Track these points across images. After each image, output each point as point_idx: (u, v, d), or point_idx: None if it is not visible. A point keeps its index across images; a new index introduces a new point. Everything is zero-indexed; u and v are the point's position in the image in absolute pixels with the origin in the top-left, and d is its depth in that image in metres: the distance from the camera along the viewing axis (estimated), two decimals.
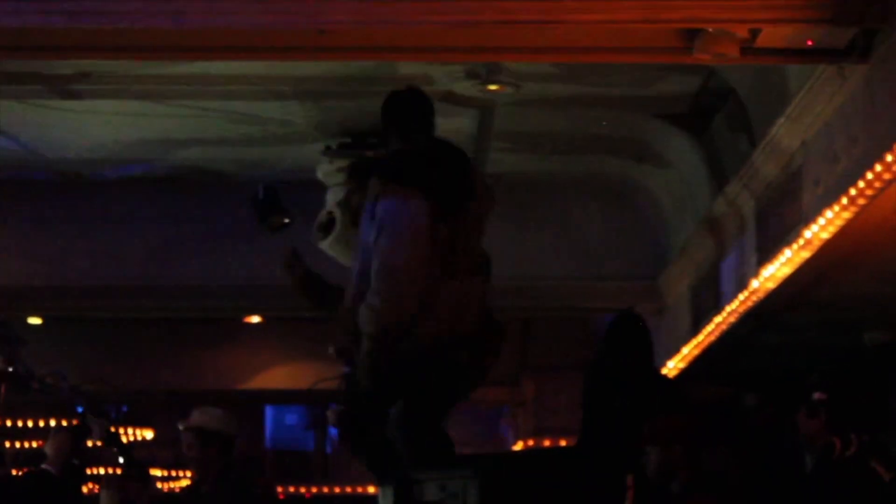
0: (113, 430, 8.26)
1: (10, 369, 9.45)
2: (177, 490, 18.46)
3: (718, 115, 10.28)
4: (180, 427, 7.56)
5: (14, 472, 10.49)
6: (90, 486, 11.84)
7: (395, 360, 6.08)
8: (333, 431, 16.90)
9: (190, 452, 7.53)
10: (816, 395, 6.76)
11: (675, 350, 12.15)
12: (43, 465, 8.26)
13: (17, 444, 12.60)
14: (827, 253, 8.49)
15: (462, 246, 6.12)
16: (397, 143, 6.32)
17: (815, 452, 6.86)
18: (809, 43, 7.22)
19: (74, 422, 8.28)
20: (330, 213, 6.87)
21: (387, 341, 6.03)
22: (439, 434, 6.20)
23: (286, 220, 11.51)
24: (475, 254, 6.24)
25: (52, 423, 11.45)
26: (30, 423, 13.21)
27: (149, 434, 16.77)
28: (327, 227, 6.84)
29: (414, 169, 6.15)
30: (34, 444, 12.08)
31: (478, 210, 6.24)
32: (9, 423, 10.55)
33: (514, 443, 18.21)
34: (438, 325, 6.07)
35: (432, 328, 6.06)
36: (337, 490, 20.81)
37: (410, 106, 6.39)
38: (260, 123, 10.74)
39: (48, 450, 8.36)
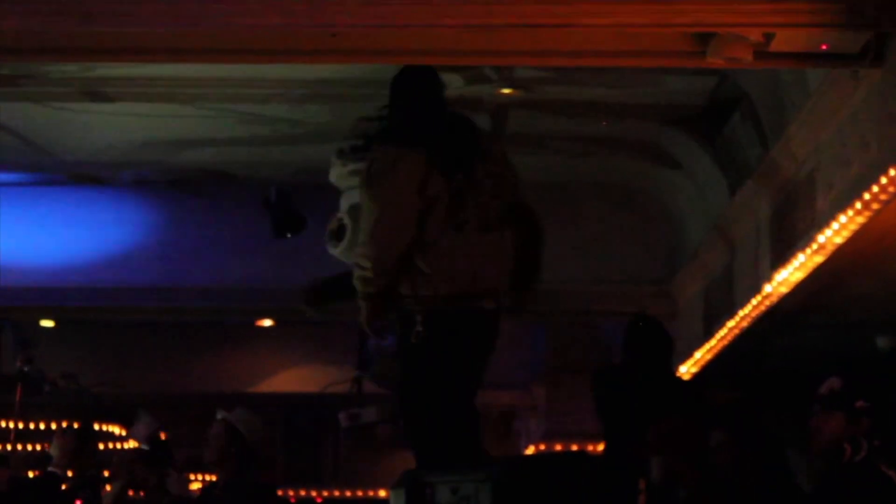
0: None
1: (26, 369, 9.46)
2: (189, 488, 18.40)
3: (731, 119, 10.26)
4: (218, 416, 7.68)
5: (26, 475, 10.49)
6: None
7: (408, 318, 6.21)
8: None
9: (216, 442, 7.63)
10: (859, 404, 6.72)
11: (687, 354, 12.13)
12: (49, 468, 8.25)
13: (29, 447, 12.60)
14: (840, 258, 8.47)
15: (473, 202, 6.20)
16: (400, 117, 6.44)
17: (827, 457, 6.81)
18: (823, 47, 7.20)
19: (76, 424, 8.27)
20: (340, 219, 6.90)
21: (379, 297, 6.17)
22: (470, 420, 6.32)
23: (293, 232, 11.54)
24: (491, 209, 6.30)
25: (65, 425, 11.45)
26: (41, 426, 13.20)
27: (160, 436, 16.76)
28: (338, 235, 6.87)
29: (407, 130, 6.29)
30: (46, 447, 12.09)
31: (492, 170, 6.32)
32: (20, 426, 10.53)
33: (526, 447, 18.19)
34: (445, 278, 6.18)
35: (442, 281, 6.18)
36: (348, 493, 20.79)
37: (412, 83, 6.49)
38: (271, 125, 10.74)
39: (53, 451, 8.35)
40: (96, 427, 13.50)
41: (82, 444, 8.16)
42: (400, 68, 6.54)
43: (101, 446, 8.79)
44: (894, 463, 6.45)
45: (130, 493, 8.51)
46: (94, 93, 9.95)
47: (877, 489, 6.40)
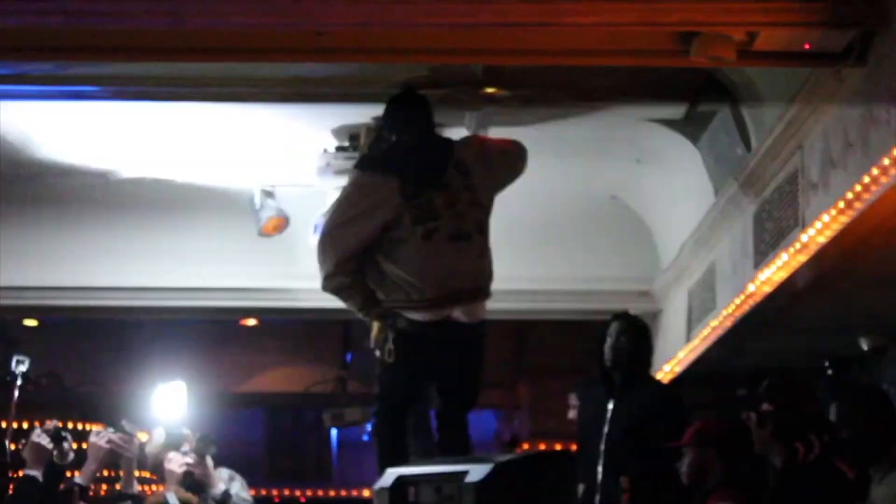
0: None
1: (24, 369, 9.42)
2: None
3: (715, 118, 10.27)
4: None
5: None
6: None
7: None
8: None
9: None
10: (764, 406, 6.82)
11: (670, 354, 12.14)
12: (26, 471, 8.13)
13: (13, 447, 12.57)
14: (823, 257, 8.48)
15: (447, 213, 6.65)
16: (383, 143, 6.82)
17: (775, 460, 6.87)
18: (807, 46, 7.21)
19: (49, 421, 8.18)
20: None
21: (352, 290, 6.65)
22: (460, 427, 6.45)
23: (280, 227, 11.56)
24: (467, 220, 6.71)
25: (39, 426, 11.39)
26: (24, 426, 13.16)
27: (144, 437, 16.72)
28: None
29: (378, 158, 6.85)
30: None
31: (470, 183, 6.78)
32: (3, 425, 10.48)
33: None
34: (415, 284, 6.53)
35: (412, 288, 6.54)
36: (332, 493, 20.78)
37: (393, 109, 7.06)
38: (255, 125, 10.72)
39: (26, 454, 8.18)
40: (80, 427, 13.45)
41: (56, 446, 8.06)
42: (394, 94, 6.92)
43: (85, 445, 8.69)
44: (847, 455, 6.47)
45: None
46: (75, 91, 9.91)
47: (830, 485, 6.45)
